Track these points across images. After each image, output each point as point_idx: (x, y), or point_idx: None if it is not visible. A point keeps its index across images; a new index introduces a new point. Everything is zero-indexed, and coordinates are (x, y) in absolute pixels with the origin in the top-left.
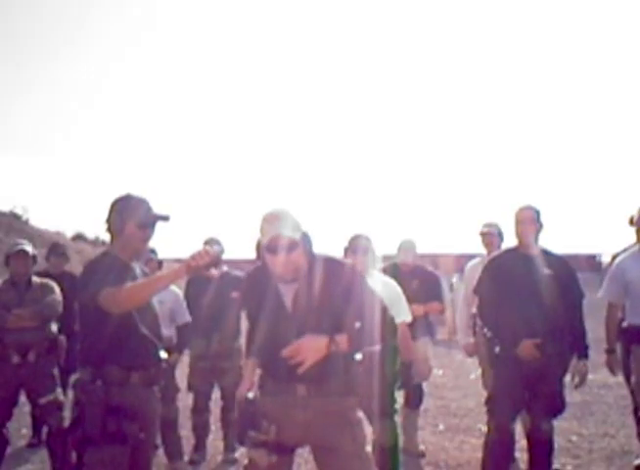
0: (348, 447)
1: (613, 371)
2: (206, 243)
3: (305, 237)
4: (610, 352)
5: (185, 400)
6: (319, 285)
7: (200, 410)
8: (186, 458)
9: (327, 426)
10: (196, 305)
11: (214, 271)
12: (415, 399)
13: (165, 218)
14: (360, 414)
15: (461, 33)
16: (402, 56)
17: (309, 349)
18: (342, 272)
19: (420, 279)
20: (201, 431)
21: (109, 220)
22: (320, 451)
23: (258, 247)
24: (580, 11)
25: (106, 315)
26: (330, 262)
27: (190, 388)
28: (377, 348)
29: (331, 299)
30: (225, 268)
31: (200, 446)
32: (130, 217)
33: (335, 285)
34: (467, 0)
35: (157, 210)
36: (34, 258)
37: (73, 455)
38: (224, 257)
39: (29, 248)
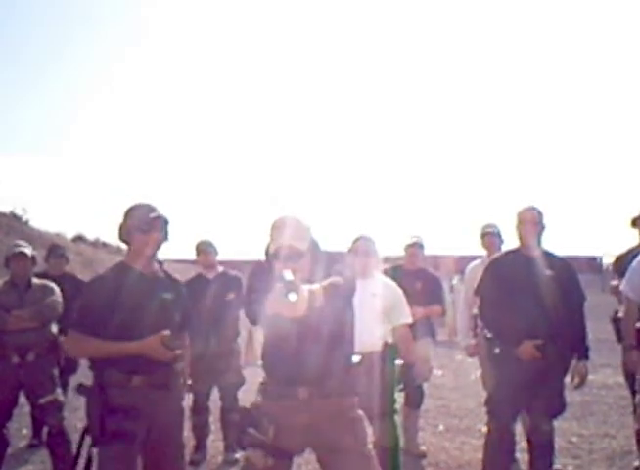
0: (350, 446)
1: (633, 368)
2: (199, 246)
3: (314, 243)
4: (627, 348)
5: (185, 400)
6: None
7: (199, 411)
8: (186, 458)
9: (328, 428)
10: (194, 307)
11: None
12: (415, 399)
13: (158, 218)
14: (361, 413)
15: (462, 33)
16: (404, 56)
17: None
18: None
19: (421, 281)
20: (200, 431)
21: (120, 231)
22: (322, 452)
23: (267, 252)
24: (580, 11)
25: (106, 320)
26: (333, 263)
27: (189, 388)
28: (377, 348)
29: (334, 301)
30: (221, 269)
31: (200, 446)
32: (132, 224)
33: (338, 288)
34: (467, 0)
35: (156, 212)
36: (34, 259)
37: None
38: (221, 258)
39: (29, 249)
